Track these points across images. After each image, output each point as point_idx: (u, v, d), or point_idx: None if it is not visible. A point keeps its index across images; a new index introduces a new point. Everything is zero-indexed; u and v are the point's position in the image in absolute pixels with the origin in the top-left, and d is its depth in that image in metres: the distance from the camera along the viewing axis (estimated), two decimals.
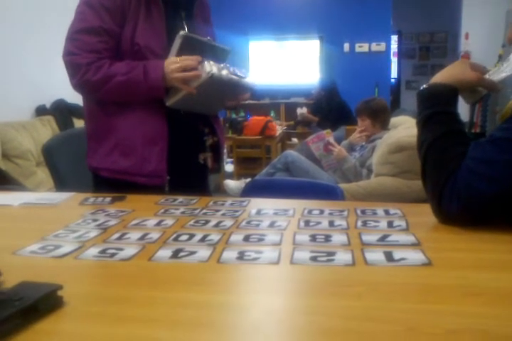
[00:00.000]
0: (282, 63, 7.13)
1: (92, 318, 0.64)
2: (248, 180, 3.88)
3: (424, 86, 1.09)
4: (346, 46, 6.98)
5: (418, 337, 0.58)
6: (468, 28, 7.12)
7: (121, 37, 1.43)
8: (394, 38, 8.65)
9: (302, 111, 6.21)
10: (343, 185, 2.61)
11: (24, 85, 3.98)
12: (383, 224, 1.02)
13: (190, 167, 1.60)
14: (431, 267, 0.78)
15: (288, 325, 0.62)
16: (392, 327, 0.60)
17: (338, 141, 3.49)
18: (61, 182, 1.93)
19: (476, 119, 5.01)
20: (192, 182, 1.58)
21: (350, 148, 3.40)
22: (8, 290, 0.64)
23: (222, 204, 1.23)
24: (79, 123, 4.17)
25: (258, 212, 1.14)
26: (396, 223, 1.02)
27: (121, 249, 0.89)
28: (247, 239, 0.94)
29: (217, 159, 1.68)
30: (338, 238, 0.93)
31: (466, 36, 7.16)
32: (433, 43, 9.39)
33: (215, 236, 0.95)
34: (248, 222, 1.06)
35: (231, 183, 4.46)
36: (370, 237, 0.93)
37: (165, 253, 0.87)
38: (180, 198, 1.29)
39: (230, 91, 1.54)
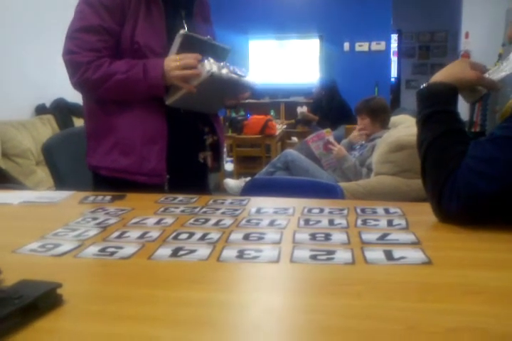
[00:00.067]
0: (282, 62, 7.12)
1: (91, 316, 0.64)
2: (248, 178, 3.88)
3: (424, 85, 1.09)
4: (346, 45, 6.98)
5: (418, 336, 0.58)
6: (469, 27, 7.12)
7: (121, 35, 1.43)
8: (394, 37, 8.65)
9: (302, 110, 6.21)
10: (342, 184, 2.61)
11: (24, 84, 3.98)
12: (383, 222, 1.02)
13: (190, 166, 1.60)
14: (430, 266, 0.78)
15: (288, 323, 0.62)
16: (392, 325, 0.60)
17: (338, 140, 3.49)
18: (61, 180, 1.93)
19: (476, 118, 5.01)
20: (192, 181, 1.58)
21: (350, 147, 3.40)
22: (7, 289, 0.64)
23: (222, 203, 1.23)
24: (79, 122, 4.17)
25: (258, 211, 1.14)
26: (396, 222, 1.02)
27: (120, 248, 0.89)
28: (246, 237, 0.94)
29: (217, 158, 1.68)
30: (338, 236, 0.93)
31: (466, 35, 7.15)
32: (433, 42, 9.39)
33: (214, 235, 0.95)
34: (248, 221, 1.06)
35: (231, 182, 4.46)
36: (370, 236, 0.93)
37: (165, 251, 0.87)
38: (180, 197, 1.29)
39: (229, 90, 1.54)
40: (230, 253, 0.85)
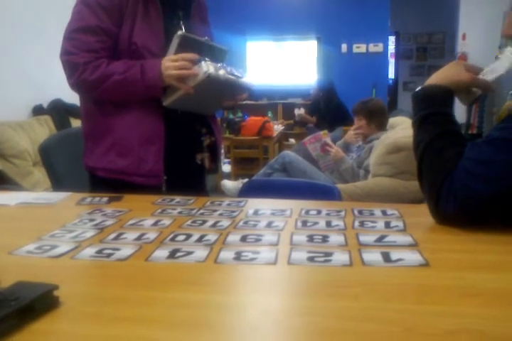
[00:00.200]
0: (280, 64, 7.13)
1: (88, 318, 0.64)
2: (245, 180, 3.88)
3: (419, 88, 1.09)
4: (344, 47, 6.99)
5: (415, 338, 0.58)
6: (466, 29, 7.13)
7: (119, 36, 1.43)
8: (391, 39, 8.66)
9: (300, 111, 6.22)
10: (340, 186, 2.61)
11: (21, 85, 3.97)
12: (380, 224, 1.02)
13: (187, 167, 1.60)
14: (428, 268, 0.78)
15: (285, 325, 0.62)
16: (390, 327, 0.60)
17: (335, 141, 3.50)
18: (58, 182, 1.93)
19: (472, 120, 5.02)
20: (189, 182, 1.58)
21: (346, 148, 3.40)
22: (4, 290, 0.63)
23: (220, 205, 1.23)
24: (76, 123, 4.15)
25: (255, 213, 1.14)
26: (393, 223, 1.02)
27: (117, 249, 0.88)
28: (244, 239, 0.94)
29: (215, 159, 1.68)
30: (336, 238, 0.93)
31: (464, 37, 7.17)
32: (430, 44, 9.41)
33: (212, 237, 0.95)
34: (245, 222, 1.05)
35: (228, 183, 4.45)
36: (368, 238, 0.92)
37: (162, 253, 0.86)
38: (178, 198, 1.29)
39: (227, 92, 1.54)
40: (227, 255, 0.85)
